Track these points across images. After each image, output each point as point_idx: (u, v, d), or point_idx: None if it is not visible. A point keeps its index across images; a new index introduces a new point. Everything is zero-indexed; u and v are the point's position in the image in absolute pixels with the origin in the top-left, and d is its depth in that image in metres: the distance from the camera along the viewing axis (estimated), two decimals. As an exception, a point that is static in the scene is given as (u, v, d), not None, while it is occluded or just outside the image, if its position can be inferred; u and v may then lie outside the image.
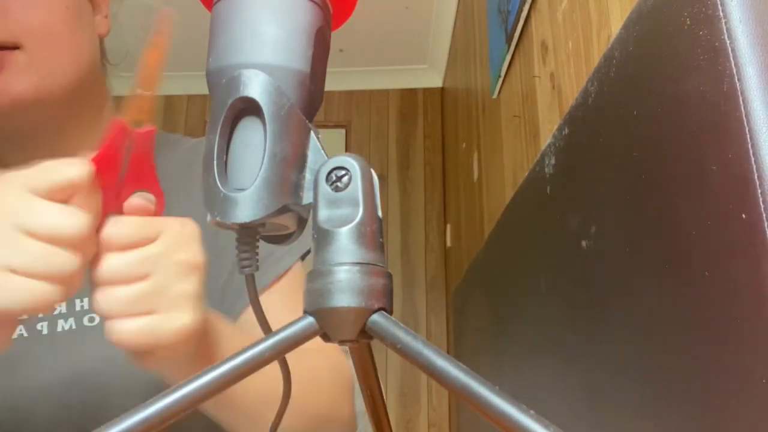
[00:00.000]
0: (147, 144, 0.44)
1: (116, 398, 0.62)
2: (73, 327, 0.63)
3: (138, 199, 0.44)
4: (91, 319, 0.64)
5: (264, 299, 0.68)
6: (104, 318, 0.43)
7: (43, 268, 0.40)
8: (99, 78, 0.71)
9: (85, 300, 0.64)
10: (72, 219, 0.41)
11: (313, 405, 0.59)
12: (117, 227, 0.43)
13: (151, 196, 0.45)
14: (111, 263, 0.42)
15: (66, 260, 0.40)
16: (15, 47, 0.60)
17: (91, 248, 0.42)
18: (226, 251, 0.65)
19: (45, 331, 0.63)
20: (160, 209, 0.46)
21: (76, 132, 0.67)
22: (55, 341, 0.63)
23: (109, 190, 0.43)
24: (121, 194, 0.44)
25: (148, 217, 0.44)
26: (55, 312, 0.64)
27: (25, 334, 0.63)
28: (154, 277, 0.43)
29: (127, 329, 0.42)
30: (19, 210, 0.40)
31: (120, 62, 0.79)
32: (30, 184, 0.41)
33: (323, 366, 0.63)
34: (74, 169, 0.41)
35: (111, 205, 0.44)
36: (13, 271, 0.39)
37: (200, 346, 0.48)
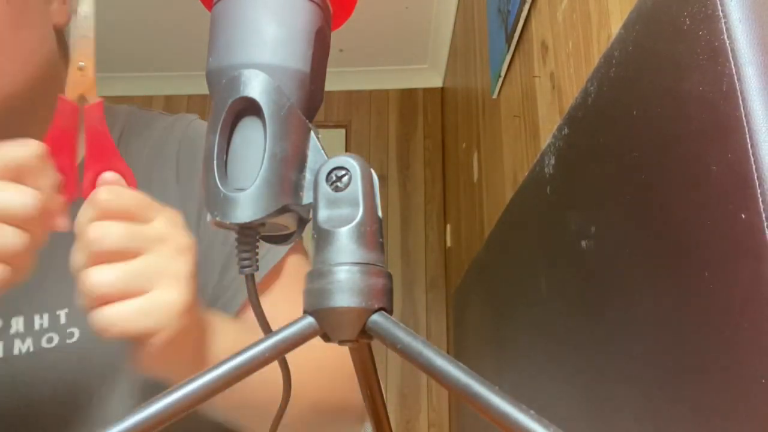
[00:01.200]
0: (98, 117, 0.42)
1: (75, 429, 0.59)
2: (31, 349, 0.59)
3: (111, 175, 0.43)
4: (50, 340, 0.59)
5: (262, 300, 0.65)
6: (96, 300, 0.40)
7: None
8: (59, 74, 0.61)
9: (45, 316, 0.60)
10: (19, 196, 0.39)
11: (319, 393, 0.57)
12: (112, 193, 0.41)
13: (116, 175, 0.43)
14: (107, 229, 0.40)
15: (12, 238, 0.39)
16: None
17: (40, 229, 0.41)
18: (213, 247, 0.62)
19: (0, 354, 0.59)
20: (132, 186, 0.44)
21: (39, 135, 0.64)
22: (11, 366, 0.59)
23: (68, 172, 0.42)
24: (86, 176, 0.43)
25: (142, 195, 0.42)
26: (12, 331, 0.60)
27: None
28: (148, 255, 0.41)
29: (122, 312, 0.40)
30: None
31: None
32: None
33: (328, 355, 0.58)
34: (23, 148, 0.40)
35: (73, 188, 0.42)
36: None
37: (195, 339, 0.46)
